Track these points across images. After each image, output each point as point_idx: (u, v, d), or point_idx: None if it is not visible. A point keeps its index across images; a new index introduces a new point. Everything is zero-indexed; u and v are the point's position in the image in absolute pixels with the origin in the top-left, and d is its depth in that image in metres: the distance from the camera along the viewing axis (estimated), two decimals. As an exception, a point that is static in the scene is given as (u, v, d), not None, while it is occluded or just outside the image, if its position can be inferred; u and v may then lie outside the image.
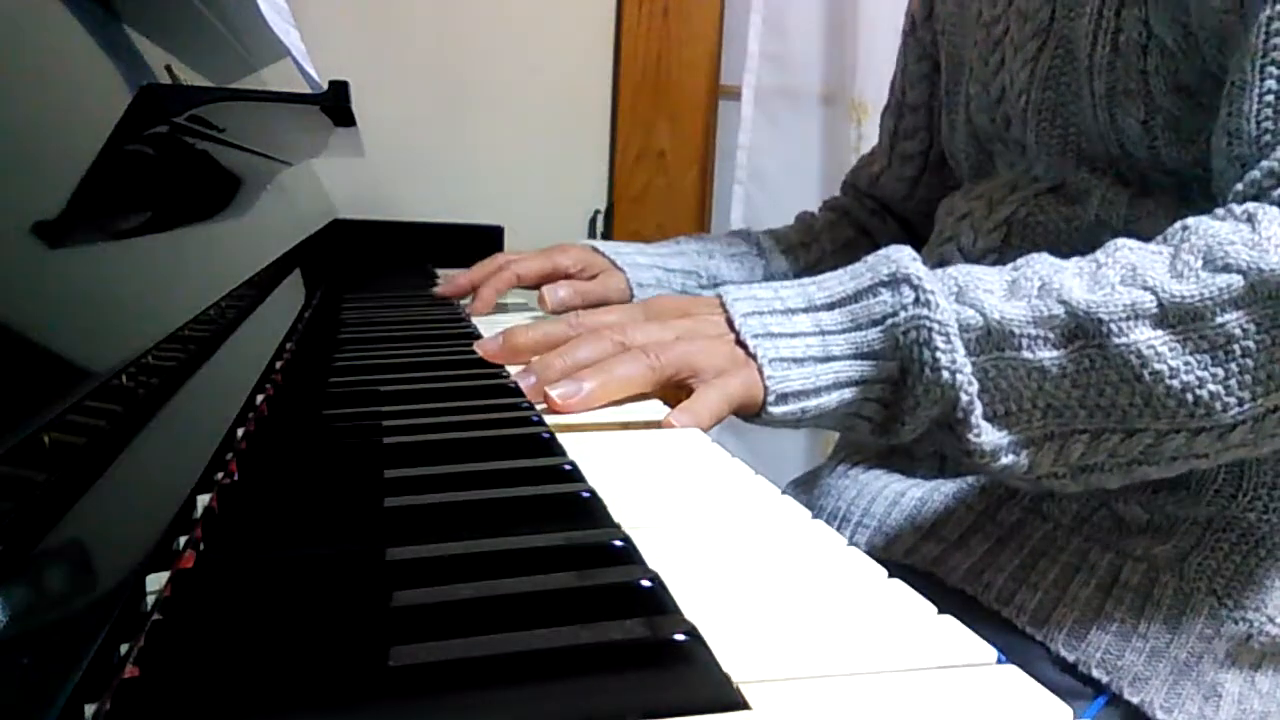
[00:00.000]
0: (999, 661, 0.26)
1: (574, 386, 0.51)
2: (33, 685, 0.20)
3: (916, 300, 0.52)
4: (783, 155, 1.62)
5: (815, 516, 0.37)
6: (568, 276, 0.86)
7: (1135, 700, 0.58)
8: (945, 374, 0.51)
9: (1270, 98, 0.54)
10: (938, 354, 0.51)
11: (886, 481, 0.73)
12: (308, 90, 0.81)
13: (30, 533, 0.23)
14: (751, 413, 0.53)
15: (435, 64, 1.48)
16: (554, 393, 0.51)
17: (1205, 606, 0.59)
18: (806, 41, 1.61)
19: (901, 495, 0.71)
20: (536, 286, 0.85)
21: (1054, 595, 0.61)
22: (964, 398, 0.51)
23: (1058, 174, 0.69)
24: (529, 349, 0.59)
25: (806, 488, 0.81)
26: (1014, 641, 0.60)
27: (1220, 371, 0.50)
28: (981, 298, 0.52)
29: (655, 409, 0.53)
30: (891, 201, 0.96)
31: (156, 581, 0.28)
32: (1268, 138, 0.54)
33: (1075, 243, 0.65)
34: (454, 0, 1.47)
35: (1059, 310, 0.51)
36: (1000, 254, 0.69)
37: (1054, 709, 0.24)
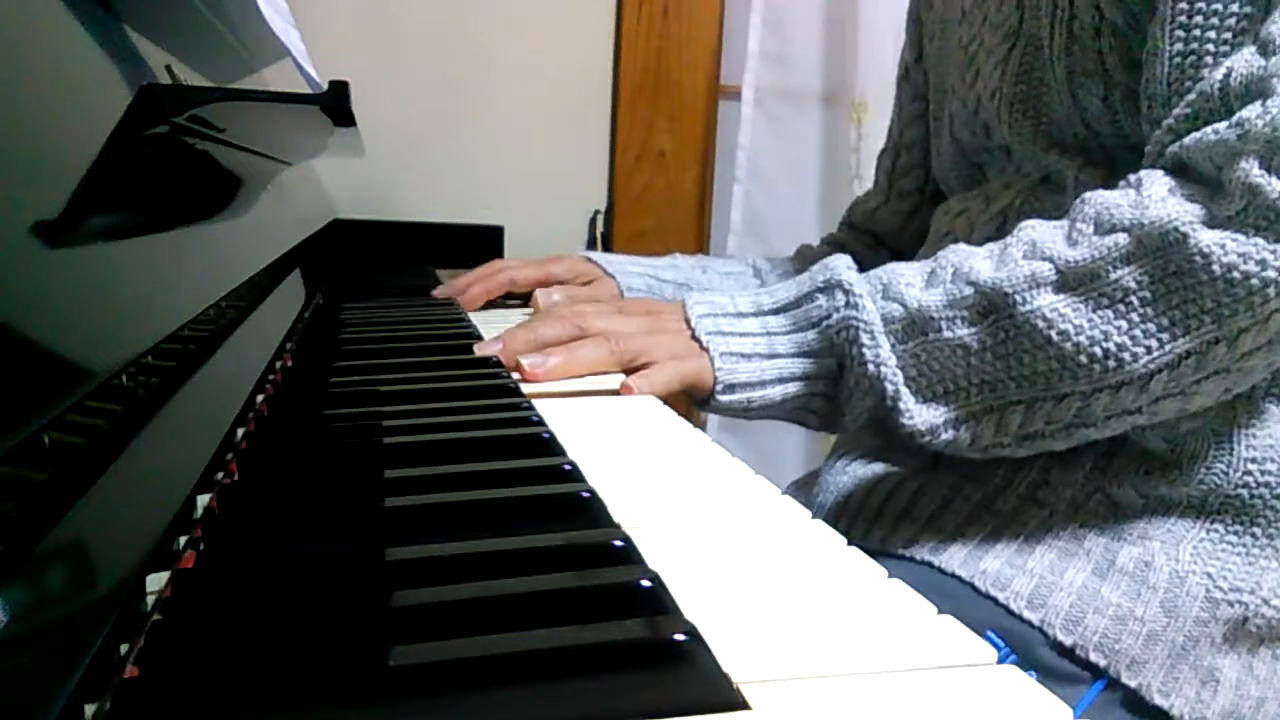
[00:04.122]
0: (999, 661, 0.26)
1: (540, 359, 0.60)
2: (33, 685, 0.20)
3: (847, 303, 0.59)
4: (783, 155, 1.62)
5: (815, 513, 0.38)
6: (560, 284, 0.92)
7: (1133, 684, 0.58)
8: (870, 367, 0.58)
9: (1177, 59, 0.57)
10: (864, 350, 0.58)
11: (883, 474, 0.73)
12: (308, 90, 0.81)
13: (30, 533, 0.23)
14: (702, 397, 0.61)
15: (435, 64, 1.48)
16: (525, 361, 0.59)
17: (1201, 589, 0.60)
18: (806, 41, 1.61)
19: (898, 486, 0.71)
20: (529, 292, 0.90)
21: (1050, 580, 0.61)
22: (889, 387, 0.58)
23: (1038, 165, 0.71)
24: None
25: (806, 487, 0.82)
26: (1012, 626, 0.60)
27: (1123, 324, 0.54)
28: (903, 290, 0.59)
29: (615, 380, 0.60)
30: (886, 234, 0.99)
31: (156, 581, 0.28)
32: (1176, 98, 0.57)
33: None
34: (454, 0, 1.47)
35: (969, 291, 0.57)
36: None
37: (1053, 708, 0.24)
